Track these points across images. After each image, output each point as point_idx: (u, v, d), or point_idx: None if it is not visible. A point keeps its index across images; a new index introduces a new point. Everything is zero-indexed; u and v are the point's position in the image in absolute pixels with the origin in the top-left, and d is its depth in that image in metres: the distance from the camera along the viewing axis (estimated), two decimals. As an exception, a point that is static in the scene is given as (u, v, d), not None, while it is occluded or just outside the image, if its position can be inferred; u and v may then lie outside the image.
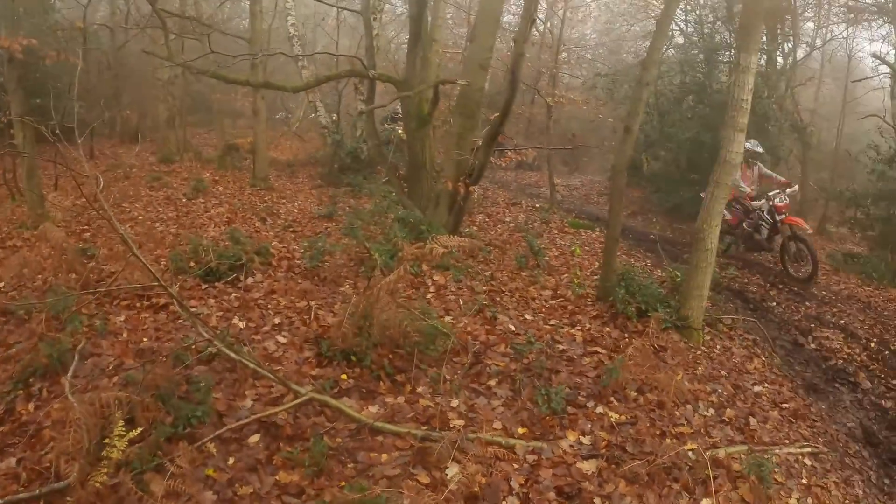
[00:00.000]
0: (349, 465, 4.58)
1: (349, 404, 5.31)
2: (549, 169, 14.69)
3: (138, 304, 7.02)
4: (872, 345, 9.39)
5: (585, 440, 5.12)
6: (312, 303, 7.35)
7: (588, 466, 4.78)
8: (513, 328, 6.94)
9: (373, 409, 5.34)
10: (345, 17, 17.86)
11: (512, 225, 12.85)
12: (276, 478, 4.34)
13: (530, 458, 4.82)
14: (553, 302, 7.96)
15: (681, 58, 15.94)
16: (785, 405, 6.80)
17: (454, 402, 5.46)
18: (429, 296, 7.78)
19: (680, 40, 16.99)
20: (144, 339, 6.21)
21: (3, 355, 5.74)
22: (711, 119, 13.77)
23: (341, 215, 11.81)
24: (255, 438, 4.77)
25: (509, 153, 13.82)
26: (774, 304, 10.36)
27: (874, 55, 15.48)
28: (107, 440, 4.00)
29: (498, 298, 7.89)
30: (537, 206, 14.54)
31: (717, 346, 7.74)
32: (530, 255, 9.72)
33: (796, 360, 8.54)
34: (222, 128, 18.30)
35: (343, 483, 4.32)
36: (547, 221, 13.24)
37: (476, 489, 4.34)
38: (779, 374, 7.70)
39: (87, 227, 11.38)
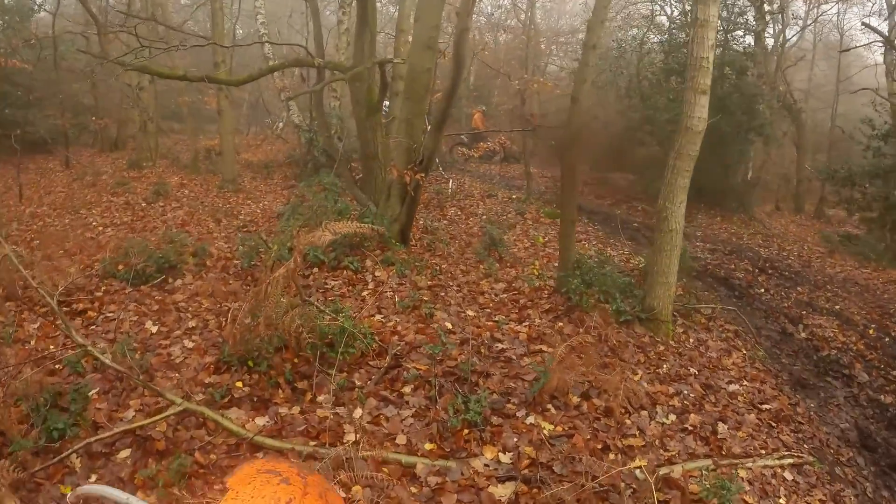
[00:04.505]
0: (216, 487, 3.69)
1: (235, 416, 4.46)
2: (525, 159, 13.66)
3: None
4: (871, 331, 8.33)
5: (505, 458, 4.13)
6: (235, 304, 6.45)
7: (502, 491, 3.80)
8: (449, 325, 5.96)
9: (261, 421, 4.44)
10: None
11: (485, 217, 11.86)
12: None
13: (433, 479, 3.86)
14: (504, 296, 6.97)
15: (663, 39, 14.88)
16: (765, 406, 5.76)
17: (357, 413, 4.51)
18: (365, 293, 6.83)
19: (663, 20, 15.93)
20: (52, 347, 5.57)
21: None
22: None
23: (303, 213, 10.91)
24: (124, 454, 4.07)
25: (483, 144, 12.87)
26: (762, 290, 9.30)
27: (865, 24, 14.36)
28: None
29: (442, 294, 6.91)
30: (514, 197, 13.53)
31: (691, 340, 6.71)
32: (491, 246, 8.74)
33: (783, 352, 7.49)
34: (193, 131, 17.45)
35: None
36: (522, 213, 12.23)
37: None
38: (761, 369, 6.66)
39: (37, 235, 10.72)
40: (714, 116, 12.83)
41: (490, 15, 21.22)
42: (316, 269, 7.34)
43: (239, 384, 4.93)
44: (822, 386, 6.87)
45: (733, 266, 10.17)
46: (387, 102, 12.45)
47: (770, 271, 10.05)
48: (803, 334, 7.97)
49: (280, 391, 4.86)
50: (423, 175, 7.83)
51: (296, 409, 4.63)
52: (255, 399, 4.77)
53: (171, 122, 23.05)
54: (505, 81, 21.29)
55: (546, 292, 7.04)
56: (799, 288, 9.48)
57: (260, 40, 15.23)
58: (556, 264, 8.71)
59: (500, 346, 5.66)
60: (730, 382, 5.98)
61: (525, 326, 6.07)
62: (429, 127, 8.85)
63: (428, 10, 8.32)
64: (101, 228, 11.22)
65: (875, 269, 10.76)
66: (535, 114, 7.85)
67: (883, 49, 15.25)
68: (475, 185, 14.77)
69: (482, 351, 5.47)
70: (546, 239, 10.62)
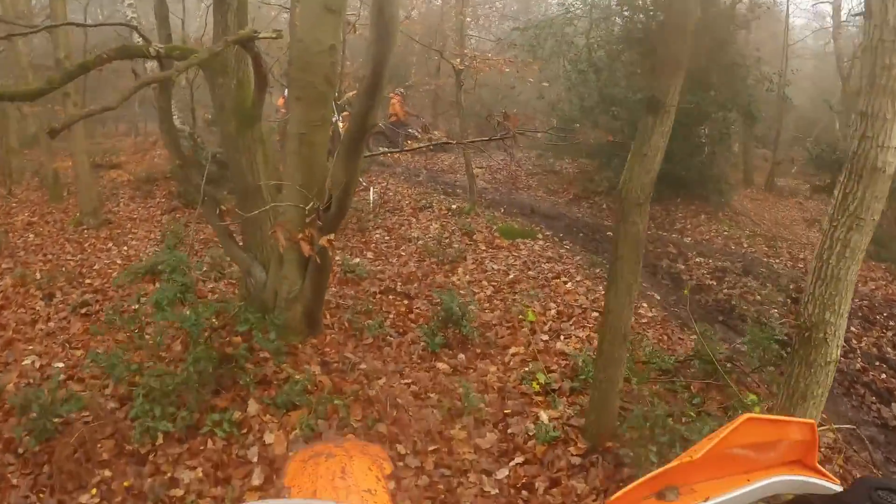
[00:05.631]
0: None
1: None
2: (466, 158, 10.17)
3: None
4: None
5: None
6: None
7: None
8: None
9: None
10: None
11: (421, 243, 8.38)
12: None
13: None
14: (503, 475, 3.55)
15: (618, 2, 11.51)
16: None
17: None
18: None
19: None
20: None
21: None
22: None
23: (181, 259, 6.93)
24: None
25: (409, 142, 9.29)
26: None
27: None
28: None
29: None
30: (454, 206, 10.03)
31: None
32: (449, 323, 5.31)
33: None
34: (50, 148, 12.68)
35: None
36: (470, 232, 8.81)
37: None
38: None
39: None
40: (694, 94, 9.91)
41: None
42: (160, 442, 3.70)
43: None
44: None
45: (758, 297, 7.18)
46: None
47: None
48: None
49: None
50: (331, 237, 4.25)
51: None
52: None
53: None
54: (422, 59, 17.53)
55: (572, 450, 3.69)
56: (853, 328, 6.61)
57: (131, 26, 10.89)
58: (554, 350, 5.44)
59: None
60: None
61: None
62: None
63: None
64: None
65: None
66: (514, 115, 4.58)
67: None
68: (402, 190, 11.15)
69: None
70: (511, 274, 7.29)
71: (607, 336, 3.38)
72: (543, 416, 4.01)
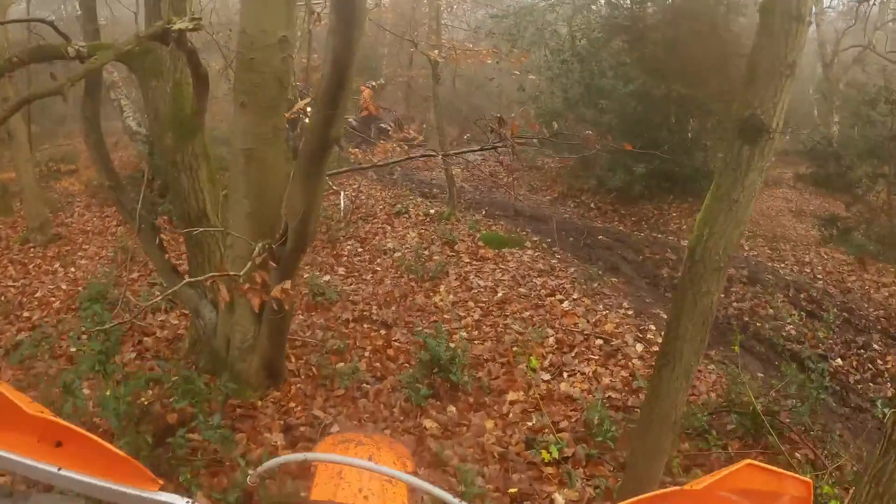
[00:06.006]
0: None
1: None
2: (445, 159, 9.26)
3: None
4: None
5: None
6: None
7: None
8: None
9: None
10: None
11: (398, 255, 7.51)
12: None
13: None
14: None
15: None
16: None
17: None
18: None
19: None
20: None
21: None
22: (664, 63, 8.73)
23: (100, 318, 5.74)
24: None
25: (383, 142, 8.32)
26: (838, 360, 5.64)
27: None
28: None
29: None
30: (432, 211, 9.12)
31: None
32: (434, 370, 4.45)
33: None
34: None
35: None
36: (451, 241, 7.93)
37: None
38: None
39: None
40: (686, 82, 9.14)
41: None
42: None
43: None
44: None
45: (771, 311, 6.45)
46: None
47: (822, 313, 6.43)
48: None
49: None
50: (287, 285, 3.34)
51: None
52: None
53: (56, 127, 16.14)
54: (394, 50, 16.48)
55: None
56: (875, 346, 5.93)
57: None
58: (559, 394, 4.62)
59: None
60: None
61: None
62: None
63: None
64: None
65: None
66: (514, 121, 3.81)
67: None
68: (375, 193, 10.21)
69: None
70: (500, 292, 6.44)
71: (654, 425, 2.54)
72: (559, 499, 3.18)
